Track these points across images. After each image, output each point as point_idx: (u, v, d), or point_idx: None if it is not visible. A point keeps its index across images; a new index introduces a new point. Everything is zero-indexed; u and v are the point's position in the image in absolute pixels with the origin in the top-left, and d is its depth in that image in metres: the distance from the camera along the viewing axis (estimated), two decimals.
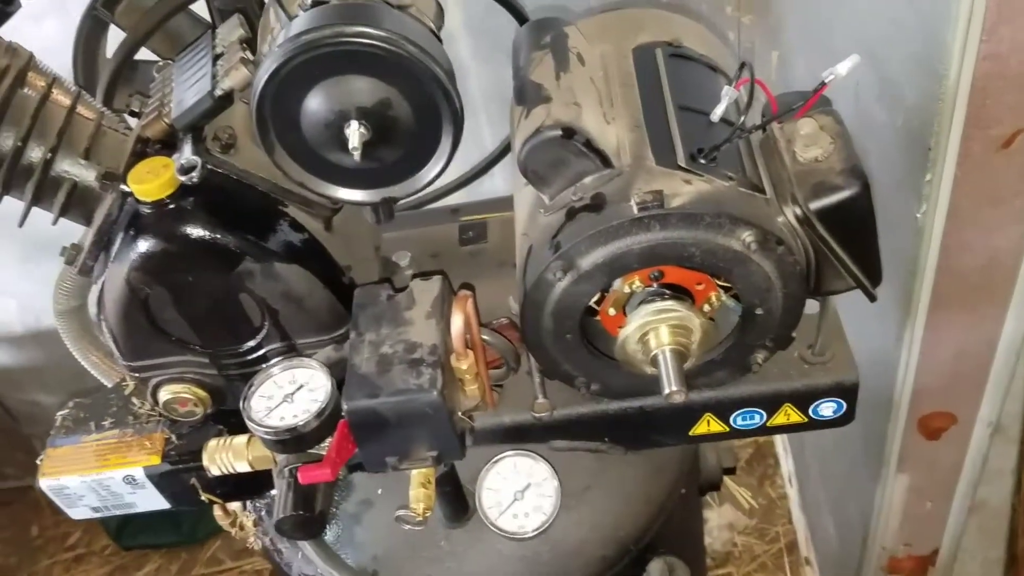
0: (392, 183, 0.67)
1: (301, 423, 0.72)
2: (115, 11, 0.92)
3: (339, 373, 0.75)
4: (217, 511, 1.07)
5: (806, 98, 0.74)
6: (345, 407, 0.69)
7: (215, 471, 0.80)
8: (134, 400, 0.96)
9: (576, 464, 0.89)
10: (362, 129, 0.61)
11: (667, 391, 0.71)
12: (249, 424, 0.74)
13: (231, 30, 0.78)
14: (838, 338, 0.85)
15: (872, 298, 0.76)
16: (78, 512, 0.96)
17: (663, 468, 0.95)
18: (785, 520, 2.08)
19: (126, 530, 2.24)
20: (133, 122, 0.86)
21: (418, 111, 0.63)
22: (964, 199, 0.85)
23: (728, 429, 0.87)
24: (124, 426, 0.94)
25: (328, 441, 0.75)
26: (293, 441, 0.73)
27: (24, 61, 0.77)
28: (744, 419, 0.87)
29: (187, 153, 0.73)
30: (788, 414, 0.86)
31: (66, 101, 0.79)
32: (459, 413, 0.72)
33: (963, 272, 0.92)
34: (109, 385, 1.00)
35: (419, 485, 0.73)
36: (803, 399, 0.85)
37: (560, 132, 0.69)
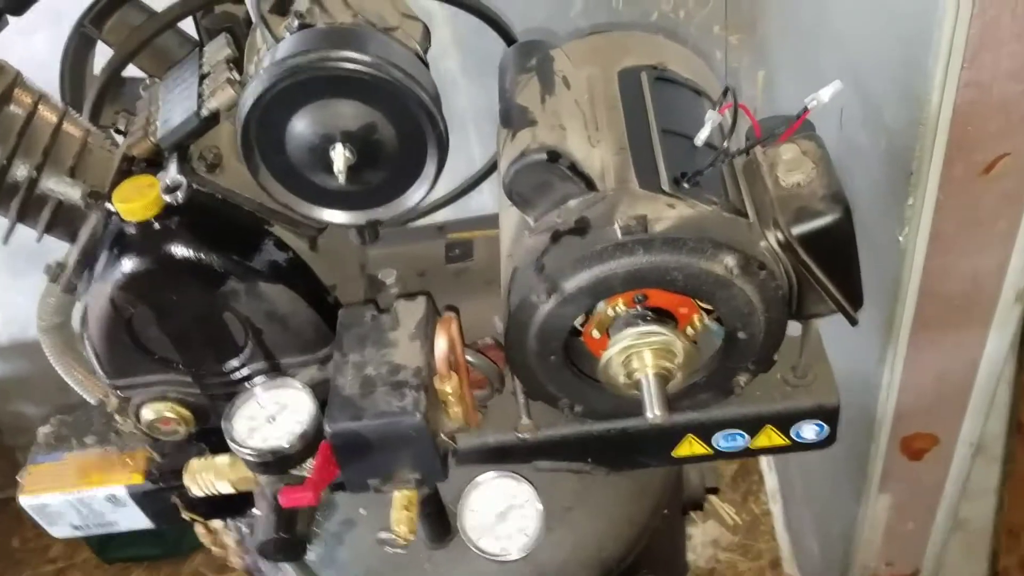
0: (377, 205, 0.67)
1: (284, 445, 0.72)
2: (103, 28, 0.92)
3: (323, 393, 0.75)
4: (199, 529, 1.07)
5: (789, 123, 0.75)
6: (328, 429, 0.69)
7: (197, 492, 0.79)
8: (117, 417, 0.95)
9: (559, 485, 0.89)
10: (347, 152, 0.62)
11: (650, 415, 0.71)
12: (231, 445, 0.74)
13: (218, 49, 0.79)
14: (820, 360, 0.86)
15: (853, 322, 0.76)
16: (59, 530, 0.96)
17: (646, 489, 0.95)
18: (769, 537, 2.08)
19: (109, 543, 2.23)
20: (120, 139, 0.86)
21: (403, 135, 0.63)
22: (946, 223, 0.85)
23: (711, 451, 0.88)
24: (107, 443, 0.94)
25: (310, 462, 0.75)
26: (276, 463, 0.73)
27: (11, 78, 0.77)
28: (727, 441, 0.87)
29: (172, 172, 0.73)
30: (770, 436, 0.87)
31: (52, 118, 0.78)
32: (442, 435, 0.72)
33: (945, 294, 0.93)
34: (92, 402, 0.99)
35: (401, 508, 0.72)
36: (785, 421, 0.85)
37: (545, 156, 0.69)
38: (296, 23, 0.68)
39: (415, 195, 0.67)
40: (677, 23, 1.54)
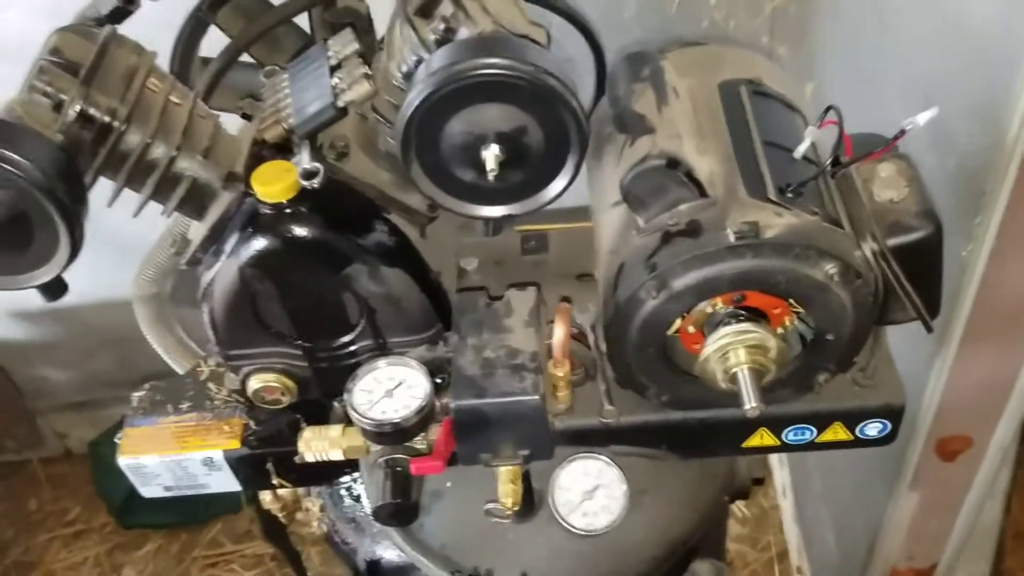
0: (515, 201, 0.73)
1: (402, 419, 0.77)
2: (218, 14, 0.96)
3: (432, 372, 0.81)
4: (266, 495, 1.12)
5: (882, 142, 0.81)
6: (452, 405, 0.74)
7: (310, 458, 0.84)
8: (210, 385, 1.00)
9: (635, 469, 0.94)
10: (499, 152, 0.67)
11: (748, 406, 0.76)
12: (353, 416, 0.79)
13: (346, 43, 0.83)
14: (887, 363, 0.92)
15: (929, 329, 0.82)
16: (150, 490, 1.00)
17: (711, 477, 1.01)
18: (777, 530, 2.16)
19: (128, 509, 2.27)
20: (229, 120, 0.90)
21: (549, 136, 0.68)
22: (1008, 242, 0.92)
23: (779, 443, 0.94)
24: (202, 410, 0.98)
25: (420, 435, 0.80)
26: (394, 435, 0.78)
27: (150, 63, 0.81)
28: (795, 434, 0.93)
29: (307, 159, 0.78)
30: (837, 432, 0.93)
31: (185, 103, 0.83)
32: (551, 416, 0.78)
33: (998, 308, 0.99)
34: (180, 372, 1.04)
35: (508, 481, 0.78)
36: (853, 418, 0.91)
37: (665, 162, 0.74)
38: (442, 27, 0.73)
39: (552, 191, 0.72)
40: (727, 31, 1.60)
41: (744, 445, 0.94)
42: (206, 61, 1.01)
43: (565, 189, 0.72)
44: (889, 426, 0.92)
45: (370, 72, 0.78)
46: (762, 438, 0.93)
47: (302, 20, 0.99)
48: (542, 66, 0.65)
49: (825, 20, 1.39)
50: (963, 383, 1.08)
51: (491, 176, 0.67)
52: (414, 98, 0.66)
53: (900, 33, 1.07)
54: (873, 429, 0.92)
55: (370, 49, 0.89)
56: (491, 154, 0.67)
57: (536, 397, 0.73)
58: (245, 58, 0.99)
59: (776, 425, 0.91)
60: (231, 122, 0.90)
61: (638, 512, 0.94)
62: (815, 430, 0.92)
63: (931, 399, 1.12)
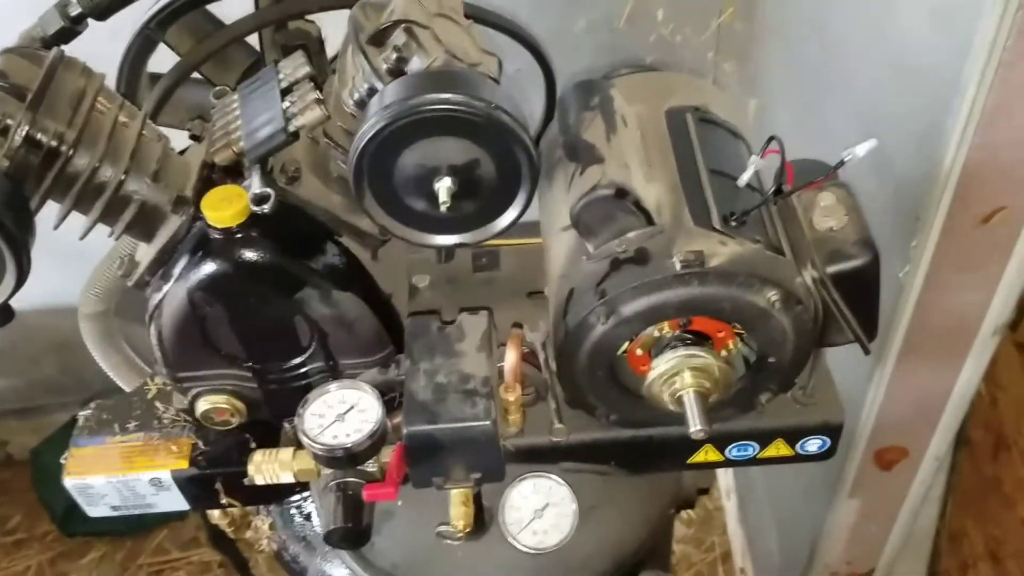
0: (467, 230, 0.74)
1: (354, 443, 0.78)
2: (167, 31, 0.95)
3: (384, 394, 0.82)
4: (215, 513, 1.12)
5: (822, 169, 0.83)
6: (405, 431, 0.75)
7: (260, 481, 0.84)
8: (157, 404, 1.00)
9: (584, 484, 0.96)
10: (451, 184, 0.68)
11: (693, 429, 0.79)
12: (304, 440, 0.79)
13: (297, 66, 0.83)
14: (827, 382, 0.95)
15: (867, 351, 0.85)
16: (97, 510, 0.99)
17: (659, 490, 1.03)
18: (721, 531, 2.20)
19: (71, 517, 2.22)
20: (179, 136, 0.89)
21: (501, 169, 0.70)
22: (943, 264, 0.95)
23: (723, 459, 0.96)
24: (150, 429, 0.98)
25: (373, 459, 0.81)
26: (346, 459, 0.78)
27: (98, 83, 0.81)
28: (739, 451, 0.95)
29: (258, 184, 0.78)
30: (778, 448, 0.95)
31: (133, 124, 0.82)
32: (503, 440, 0.79)
33: (933, 327, 1.03)
34: (127, 389, 1.03)
35: (460, 504, 0.79)
36: (794, 435, 0.94)
37: (614, 192, 0.76)
38: (394, 56, 0.73)
39: (503, 221, 0.73)
40: (674, 46, 1.62)
41: (689, 461, 0.96)
42: (155, 77, 1.01)
43: (516, 220, 0.73)
44: (829, 442, 0.95)
45: (322, 97, 0.78)
46: (707, 454, 0.96)
47: (252, 38, 0.99)
48: (495, 102, 0.66)
49: (770, 39, 1.42)
50: (900, 397, 1.12)
51: (443, 208, 0.68)
52: (367, 131, 0.66)
53: (841, 58, 1.10)
54: (813, 445, 0.95)
55: (321, 71, 0.89)
56: (443, 186, 0.68)
57: (488, 422, 0.74)
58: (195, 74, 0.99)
59: (720, 442, 0.94)
60: (180, 138, 0.90)
61: (588, 528, 0.96)
62: (757, 446, 0.95)
63: (869, 412, 1.16)
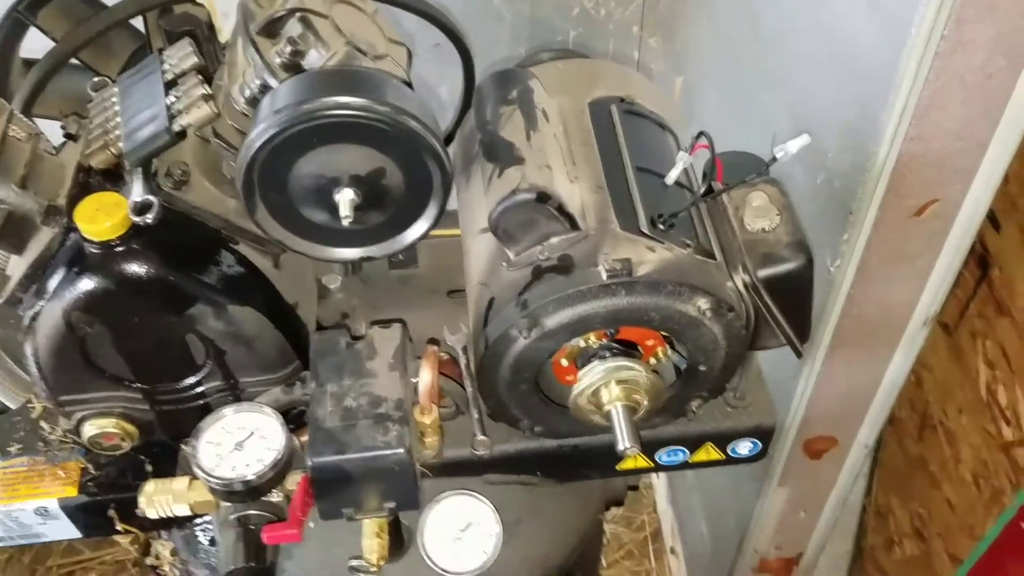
0: (373, 243, 0.67)
1: (256, 475, 0.71)
2: (39, 14, 0.85)
3: (288, 416, 0.75)
4: (122, 538, 1.04)
5: (753, 163, 0.79)
6: (310, 463, 0.68)
7: (152, 514, 0.77)
8: (43, 424, 0.91)
9: (509, 497, 0.91)
10: (354, 196, 0.61)
11: (621, 447, 0.74)
12: (197, 473, 0.72)
13: (183, 56, 0.75)
14: (758, 385, 0.92)
15: (799, 355, 0.82)
16: None
17: (587, 498, 0.99)
18: (651, 509, 2.19)
19: None
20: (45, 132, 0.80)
21: (410, 178, 0.63)
22: (874, 257, 0.92)
23: (653, 465, 0.92)
24: (34, 452, 0.89)
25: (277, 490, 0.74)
26: (246, 492, 0.72)
27: None
28: (669, 456, 0.92)
29: (139, 190, 0.70)
30: (709, 452, 0.92)
31: None
32: (418, 465, 0.73)
33: (862, 319, 1.00)
34: (12, 407, 0.94)
35: (373, 535, 0.73)
36: (725, 439, 0.91)
37: (535, 196, 0.70)
38: (289, 49, 0.66)
39: (413, 234, 0.67)
40: (597, 20, 1.56)
41: (618, 468, 0.92)
42: (29, 64, 0.90)
43: (428, 232, 0.67)
44: (760, 445, 0.92)
45: (210, 92, 0.70)
46: (636, 461, 0.92)
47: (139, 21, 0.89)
48: (401, 107, 0.59)
49: (697, 15, 1.37)
50: (829, 389, 1.10)
51: (346, 222, 0.61)
52: (255, 138, 0.59)
53: (772, 42, 1.06)
54: (744, 448, 0.92)
55: (212, 60, 0.81)
56: (345, 199, 0.61)
57: (401, 450, 0.68)
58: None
59: (649, 448, 0.90)
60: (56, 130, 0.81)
61: (514, 544, 0.91)
62: (688, 451, 0.92)
63: (799, 403, 1.13)
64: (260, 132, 0.59)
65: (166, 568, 0.96)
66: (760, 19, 1.06)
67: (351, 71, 0.61)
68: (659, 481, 2.16)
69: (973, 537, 1.25)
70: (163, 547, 0.95)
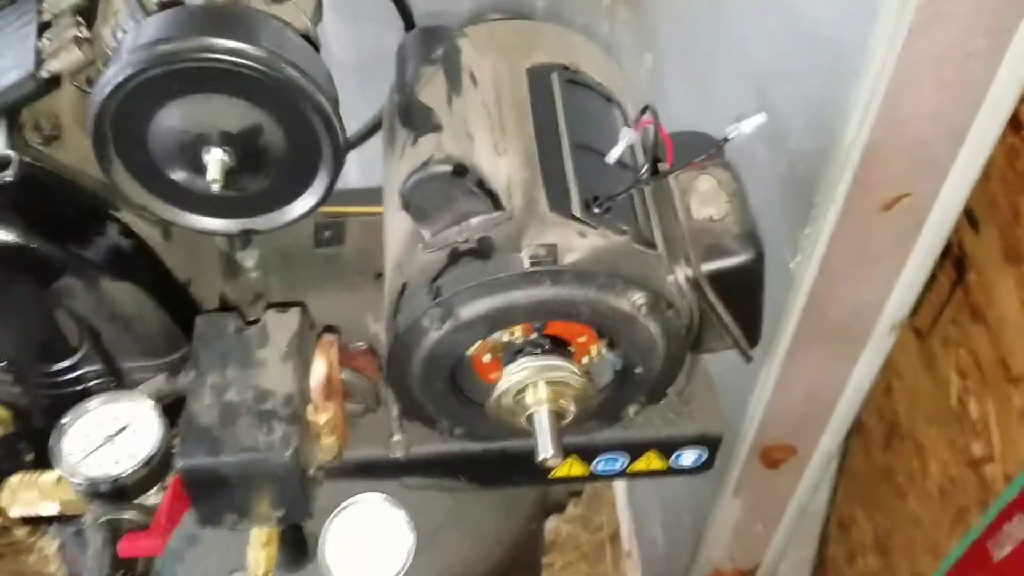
0: (255, 214, 0.58)
1: (124, 472, 0.63)
2: None
3: (173, 408, 0.66)
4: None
5: (706, 143, 0.70)
6: (179, 464, 0.60)
7: (17, 512, 0.68)
8: None
9: (429, 503, 0.83)
10: (225, 157, 0.52)
11: (543, 455, 0.66)
12: (59, 469, 0.64)
13: None
14: (706, 388, 0.84)
15: (748, 360, 0.74)
16: None
17: (517, 505, 0.91)
18: (610, 510, 2.12)
19: None
20: None
21: (293, 140, 0.54)
22: (839, 254, 0.84)
23: (588, 473, 0.84)
24: None
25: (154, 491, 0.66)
26: (112, 493, 0.63)
27: None
28: (606, 463, 0.84)
29: (0, 144, 0.61)
30: (650, 460, 0.84)
31: None
32: (311, 470, 0.65)
33: (826, 320, 0.93)
34: None
35: (260, 546, 0.65)
36: (668, 447, 0.83)
37: (451, 169, 0.62)
38: None
39: (300, 207, 0.58)
40: None
41: (551, 475, 0.84)
42: None
43: (317, 206, 0.58)
44: (706, 455, 0.84)
45: (87, 35, 0.62)
46: (570, 468, 0.84)
47: None
48: (281, 53, 0.50)
49: None
50: (788, 394, 1.03)
51: (215, 187, 0.52)
52: (105, 83, 0.50)
53: (733, 16, 0.98)
54: (688, 458, 0.84)
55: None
56: (214, 159, 0.52)
57: (286, 454, 0.60)
58: None
59: (585, 454, 0.82)
60: None
61: (432, 554, 0.83)
62: (628, 458, 0.84)
63: (755, 409, 1.06)
64: (112, 75, 0.50)
65: (52, 568, 0.87)
66: None
67: (228, 10, 0.52)
68: (618, 484, 2.09)
69: (937, 555, 1.18)
70: (47, 544, 0.86)
